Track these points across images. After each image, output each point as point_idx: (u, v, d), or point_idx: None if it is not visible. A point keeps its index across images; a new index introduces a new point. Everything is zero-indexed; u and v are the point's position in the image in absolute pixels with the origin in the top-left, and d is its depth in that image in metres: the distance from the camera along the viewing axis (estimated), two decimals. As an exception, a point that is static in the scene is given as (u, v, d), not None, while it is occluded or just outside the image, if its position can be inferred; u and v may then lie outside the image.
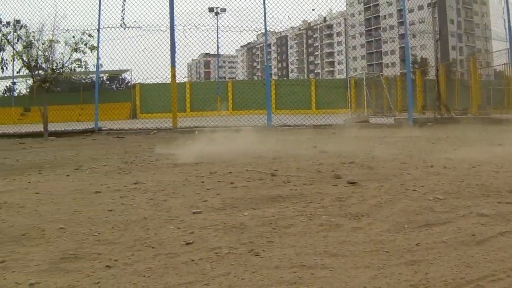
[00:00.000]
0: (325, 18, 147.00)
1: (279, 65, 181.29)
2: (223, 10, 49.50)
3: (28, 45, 18.75)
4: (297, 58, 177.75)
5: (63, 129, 20.27)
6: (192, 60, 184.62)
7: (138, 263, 3.10)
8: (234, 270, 2.94)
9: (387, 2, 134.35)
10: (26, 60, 18.75)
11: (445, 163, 7.42)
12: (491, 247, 3.33)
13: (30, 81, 38.04)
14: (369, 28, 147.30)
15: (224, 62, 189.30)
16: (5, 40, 19.04)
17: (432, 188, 5.36)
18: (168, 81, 21.33)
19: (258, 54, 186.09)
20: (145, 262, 3.12)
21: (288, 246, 3.40)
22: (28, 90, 56.69)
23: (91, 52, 19.45)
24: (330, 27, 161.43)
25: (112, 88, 72.83)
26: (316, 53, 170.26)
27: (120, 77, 72.02)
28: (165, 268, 3.00)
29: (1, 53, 19.45)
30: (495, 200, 4.76)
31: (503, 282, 2.73)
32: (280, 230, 3.81)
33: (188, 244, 3.47)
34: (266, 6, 20.60)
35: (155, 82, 26.34)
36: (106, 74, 59.84)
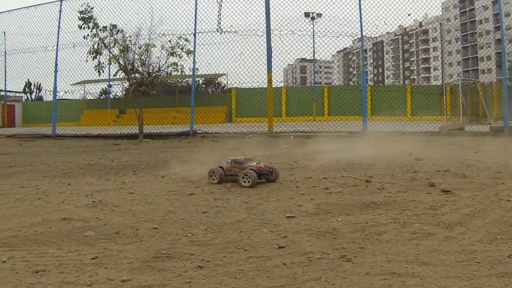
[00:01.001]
0: (420, 23, 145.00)
1: (375, 70, 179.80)
2: (319, 15, 49.26)
3: (125, 49, 19.13)
4: (393, 63, 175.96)
5: (158, 131, 20.59)
6: (288, 65, 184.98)
7: (230, 265, 3.16)
8: (325, 275, 2.97)
9: (483, 6, 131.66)
10: (123, 64, 19.15)
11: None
12: None
13: (126, 84, 38.75)
14: (465, 33, 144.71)
15: (320, 67, 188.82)
16: (102, 44, 19.46)
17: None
18: (264, 86, 21.37)
19: (354, 60, 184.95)
20: (236, 264, 3.18)
21: (380, 253, 3.41)
22: (124, 93, 58.04)
23: (188, 56, 19.69)
24: (425, 32, 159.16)
25: (208, 92, 73.72)
26: (412, 58, 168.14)
27: (216, 81, 72.81)
28: (256, 270, 3.05)
29: (98, 56, 19.87)
30: None
31: None
32: (372, 237, 3.82)
33: (281, 248, 3.52)
34: (362, 12, 20.50)
35: (251, 87, 26.43)
36: (202, 78, 60.41)
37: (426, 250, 3.45)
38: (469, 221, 4.32)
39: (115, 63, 19.36)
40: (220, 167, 6.92)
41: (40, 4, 24.37)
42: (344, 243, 3.64)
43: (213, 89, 76.40)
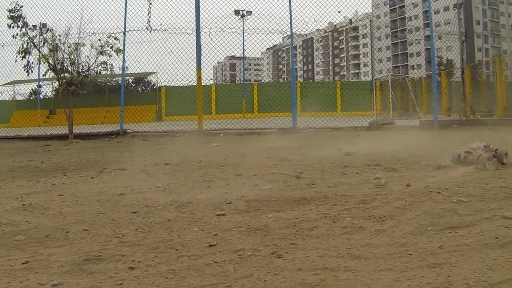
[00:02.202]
0: (351, 20, 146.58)
1: (305, 67, 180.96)
2: (249, 12, 49.41)
3: (54, 48, 18.85)
4: (322, 60, 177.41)
5: (88, 131, 20.36)
6: (218, 62, 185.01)
7: (161, 265, 3.12)
8: (257, 272, 2.96)
9: (413, 3, 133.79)
10: (52, 63, 18.85)
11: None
12: None
13: (56, 84, 38.35)
14: (395, 29, 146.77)
15: (250, 64, 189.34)
16: (31, 44, 19.15)
17: (456, 190, 5.34)
18: (193, 84, 21.32)
19: (283, 57, 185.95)
20: (168, 264, 3.15)
21: (311, 248, 3.41)
22: (53, 93, 57.26)
23: (117, 55, 19.52)
24: (355, 29, 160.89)
25: (138, 91, 73.24)
26: (342, 55, 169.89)
27: (146, 80, 72.37)
28: (188, 270, 3.03)
29: (27, 56, 19.54)
30: (520, 204, 4.73)
31: None
32: (303, 233, 3.82)
33: (212, 246, 3.49)
34: (292, 9, 20.62)
35: (181, 85, 26.32)
36: (132, 77, 60.09)
37: (358, 244, 3.48)
38: (400, 214, 4.37)
39: (45, 62, 19.06)
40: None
41: (-33, 4, 23.91)
42: (275, 239, 3.63)
43: (143, 88, 75.99)
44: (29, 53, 19.49)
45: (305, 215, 4.40)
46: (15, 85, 53.55)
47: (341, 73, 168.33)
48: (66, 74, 19.27)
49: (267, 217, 4.35)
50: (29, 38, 19.07)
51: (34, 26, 19.37)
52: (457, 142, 11.80)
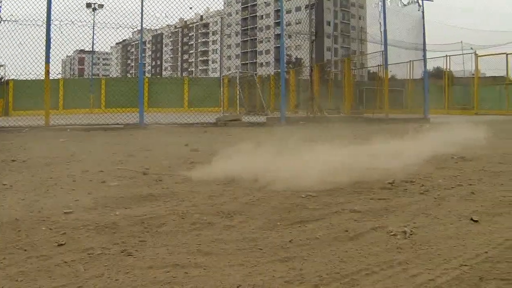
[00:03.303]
0: (202, 16, 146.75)
1: (153, 63, 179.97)
2: (101, 6, 48.70)
3: None
4: (171, 56, 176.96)
5: None
6: (67, 56, 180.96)
7: (11, 267, 3.00)
8: (108, 271, 2.91)
9: (265, 2, 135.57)
10: None
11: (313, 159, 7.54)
12: (364, 242, 3.46)
13: None
14: (246, 27, 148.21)
15: (99, 59, 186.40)
16: None
17: (304, 185, 5.43)
18: (42, 78, 20.76)
19: (132, 52, 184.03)
20: (17, 265, 3.03)
21: (161, 245, 3.41)
22: None
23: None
24: (206, 25, 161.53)
25: (-17, 84, 70.63)
26: (191, 51, 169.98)
27: (-7, 73, 69.83)
28: (37, 271, 2.93)
29: None
30: (367, 197, 4.91)
31: (377, 275, 2.84)
32: (152, 229, 3.81)
33: (61, 245, 3.40)
34: (144, 3, 20.40)
35: (29, 79, 25.55)
36: (-23, 70, 57.95)
37: (208, 240, 3.50)
38: (248, 209, 4.44)
39: None
40: None
41: None
42: (124, 237, 3.59)
43: (-11, 81, 73.40)
44: None
45: (153, 211, 4.39)
46: None
47: (189, 69, 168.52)
48: None
49: (115, 214, 4.30)
50: None
51: None
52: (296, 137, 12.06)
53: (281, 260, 3.07)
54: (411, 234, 3.62)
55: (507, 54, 33.32)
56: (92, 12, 46.98)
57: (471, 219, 4.09)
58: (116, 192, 5.29)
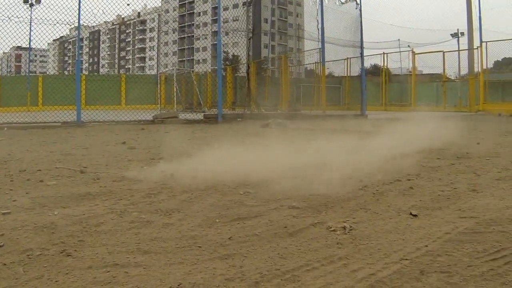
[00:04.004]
0: (139, 13, 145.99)
1: (91, 60, 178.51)
2: (38, 1, 48.01)
3: None
4: (108, 53, 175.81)
5: None
6: (4, 53, 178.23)
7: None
8: (47, 272, 2.85)
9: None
10: None
11: (252, 155, 7.55)
12: (303, 238, 3.47)
13: None
14: (183, 24, 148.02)
15: (36, 56, 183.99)
16: None
17: (243, 181, 5.46)
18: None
19: (70, 49, 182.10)
20: (-44, 270, 2.95)
21: (100, 245, 3.35)
22: None
23: None
24: (143, 22, 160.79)
25: None
26: (128, 48, 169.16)
27: None
28: (-24, 274, 2.85)
29: None
30: (307, 193, 4.89)
31: (318, 271, 2.84)
32: (91, 229, 3.75)
33: (-1, 247, 3.32)
34: (82, 0, 20.21)
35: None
36: None
37: (147, 239, 3.47)
38: (187, 207, 4.42)
39: None
40: None
41: None
42: (63, 237, 3.52)
43: None
44: None
45: (92, 210, 4.33)
46: None
47: (126, 66, 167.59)
48: None
49: (53, 214, 4.21)
50: None
51: None
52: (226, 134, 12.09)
53: (221, 257, 3.06)
54: (350, 230, 3.65)
55: (443, 52, 34.00)
56: (29, 8, 46.29)
57: (410, 213, 4.14)
58: (54, 191, 5.20)
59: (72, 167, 7.05)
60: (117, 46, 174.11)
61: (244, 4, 27.28)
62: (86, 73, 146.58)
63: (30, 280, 2.74)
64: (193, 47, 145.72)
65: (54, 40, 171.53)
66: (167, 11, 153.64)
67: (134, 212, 4.25)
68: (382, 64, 38.77)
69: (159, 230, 3.70)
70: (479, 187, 5.35)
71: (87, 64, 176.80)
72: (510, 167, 6.83)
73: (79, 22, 20.67)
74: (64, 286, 2.67)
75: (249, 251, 3.17)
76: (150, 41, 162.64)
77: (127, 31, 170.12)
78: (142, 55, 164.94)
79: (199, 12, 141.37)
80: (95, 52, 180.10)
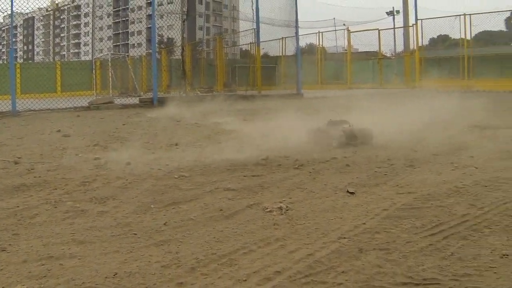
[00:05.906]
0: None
1: (25, 47, 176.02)
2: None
3: None
4: (43, 40, 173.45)
5: None
6: None
7: None
8: (-16, 271, 2.76)
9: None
10: None
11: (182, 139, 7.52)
12: (240, 221, 3.46)
13: None
14: (117, 9, 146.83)
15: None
16: None
17: (177, 166, 5.43)
18: None
19: (3, 37, 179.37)
20: None
21: (35, 237, 3.27)
22: None
23: None
24: (78, 7, 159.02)
25: None
26: (63, 34, 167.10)
27: None
28: None
29: None
30: (241, 174, 4.91)
31: (255, 253, 2.83)
32: (25, 221, 3.66)
33: None
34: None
35: None
36: None
37: (81, 228, 3.40)
38: (121, 193, 4.38)
39: None
40: None
41: None
42: (-3, 232, 3.43)
43: None
44: None
45: (26, 202, 4.23)
46: None
47: (61, 53, 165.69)
48: None
49: (-14, 207, 4.10)
50: None
51: None
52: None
53: (157, 244, 3.03)
54: (287, 210, 3.65)
55: (379, 30, 34.48)
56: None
57: (347, 191, 4.16)
58: (-13, 184, 5.06)
59: (6, 158, 6.88)
60: (51, 32, 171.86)
61: (179, -14, 27.11)
62: (21, 61, 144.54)
63: (-35, 278, 2.67)
64: (128, 31, 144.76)
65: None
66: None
67: (68, 201, 4.17)
68: (317, 43, 38.98)
69: (94, 219, 3.65)
70: (416, 163, 5.38)
71: (21, 52, 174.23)
72: (445, 142, 6.90)
73: (11, 9, 20.27)
74: (-2, 283, 2.60)
75: (184, 236, 3.15)
76: (85, 26, 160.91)
77: (61, 17, 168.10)
78: (77, 41, 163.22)
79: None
80: (29, 40, 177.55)
